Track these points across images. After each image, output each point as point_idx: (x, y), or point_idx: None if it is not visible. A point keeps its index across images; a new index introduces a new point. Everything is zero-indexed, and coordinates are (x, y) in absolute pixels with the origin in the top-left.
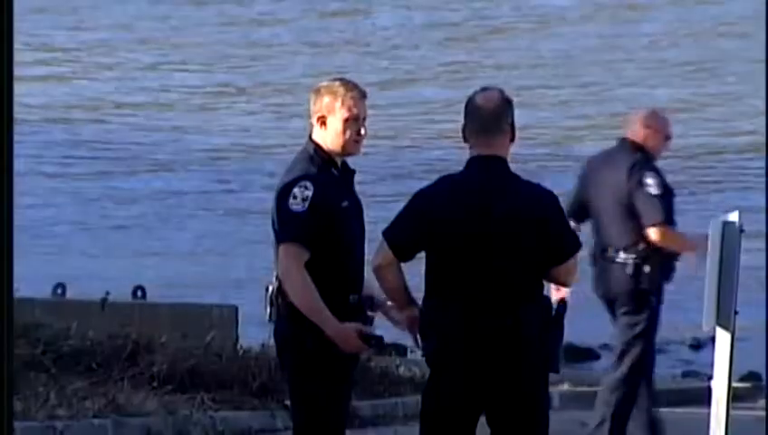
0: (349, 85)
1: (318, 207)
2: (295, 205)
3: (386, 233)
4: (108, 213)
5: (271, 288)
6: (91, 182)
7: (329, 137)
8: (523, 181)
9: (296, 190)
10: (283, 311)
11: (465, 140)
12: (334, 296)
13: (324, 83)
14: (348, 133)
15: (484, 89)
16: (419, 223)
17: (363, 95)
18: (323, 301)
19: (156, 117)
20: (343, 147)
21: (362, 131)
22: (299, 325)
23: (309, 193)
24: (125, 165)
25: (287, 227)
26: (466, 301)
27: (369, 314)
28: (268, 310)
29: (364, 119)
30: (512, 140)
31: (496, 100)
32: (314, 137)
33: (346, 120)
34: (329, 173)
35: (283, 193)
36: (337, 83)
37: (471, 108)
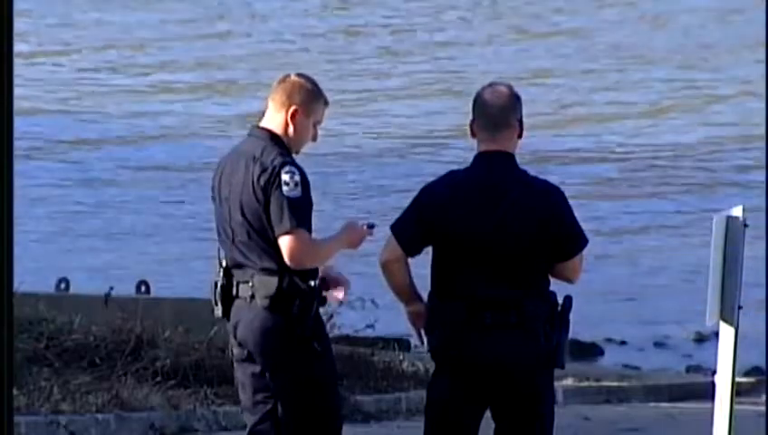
0: (322, 90)
1: (306, 190)
2: (289, 191)
3: (393, 228)
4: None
5: (219, 284)
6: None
7: (293, 131)
8: (529, 177)
9: (285, 177)
10: (263, 304)
11: (473, 135)
12: (304, 279)
13: (300, 80)
14: (311, 136)
15: (492, 84)
16: (426, 218)
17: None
18: (297, 284)
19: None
20: (301, 144)
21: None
22: (284, 315)
23: (298, 178)
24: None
25: (289, 214)
26: (471, 295)
27: (324, 294)
28: (219, 307)
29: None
30: (519, 135)
31: (504, 95)
32: (268, 124)
33: (315, 124)
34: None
35: (271, 182)
36: (313, 85)
37: (479, 103)
